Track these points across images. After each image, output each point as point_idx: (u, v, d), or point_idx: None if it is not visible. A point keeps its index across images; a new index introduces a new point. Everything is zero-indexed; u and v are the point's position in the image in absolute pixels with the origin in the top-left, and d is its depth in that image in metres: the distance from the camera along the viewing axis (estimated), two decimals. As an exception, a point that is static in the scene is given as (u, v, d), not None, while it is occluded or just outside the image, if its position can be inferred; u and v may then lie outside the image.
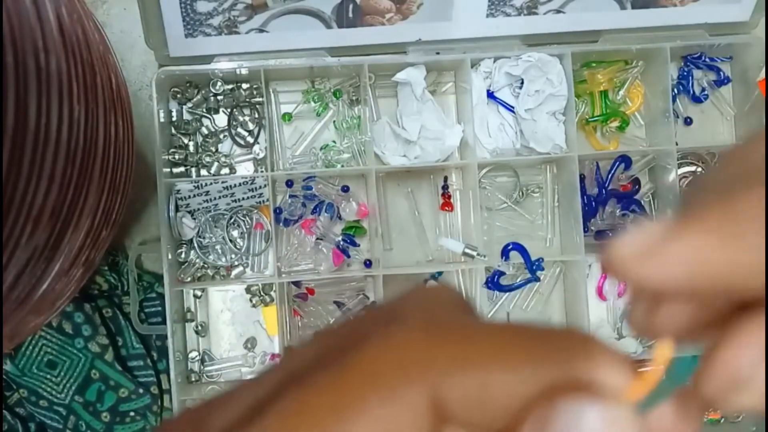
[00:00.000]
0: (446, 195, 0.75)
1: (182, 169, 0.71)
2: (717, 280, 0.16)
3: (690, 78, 0.76)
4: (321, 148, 0.73)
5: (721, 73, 0.76)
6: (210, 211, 0.71)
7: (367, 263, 0.72)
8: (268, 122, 0.71)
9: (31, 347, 0.66)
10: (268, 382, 0.17)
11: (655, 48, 0.71)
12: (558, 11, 0.70)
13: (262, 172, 0.71)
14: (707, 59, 0.76)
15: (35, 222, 0.36)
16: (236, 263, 0.72)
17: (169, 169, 0.70)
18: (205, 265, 0.72)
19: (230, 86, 0.72)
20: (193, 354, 0.72)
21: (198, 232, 0.71)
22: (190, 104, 0.72)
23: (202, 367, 0.72)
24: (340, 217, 0.73)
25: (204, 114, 0.73)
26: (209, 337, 0.73)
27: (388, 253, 0.74)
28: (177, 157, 0.70)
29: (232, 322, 0.74)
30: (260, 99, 0.72)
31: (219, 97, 0.72)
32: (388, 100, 0.75)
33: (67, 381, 0.67)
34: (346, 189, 0.73)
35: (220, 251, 0.72)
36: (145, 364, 0.70)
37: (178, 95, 0.71)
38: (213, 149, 0.72)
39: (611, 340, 0.75)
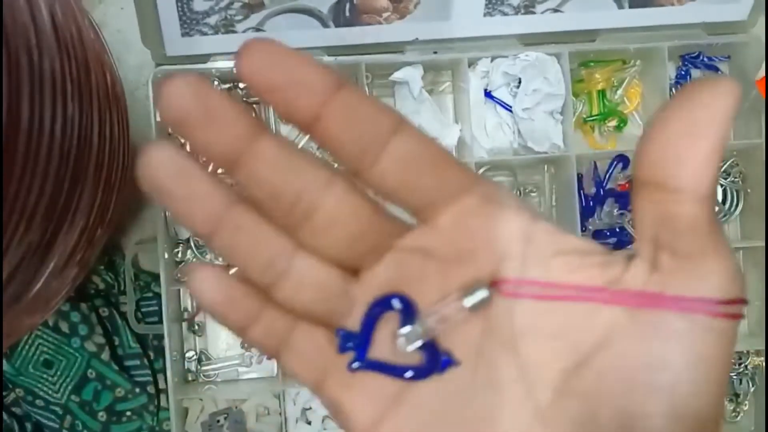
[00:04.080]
0: (444, 194, 0.75)
1: (179, 168, 0.71)
2: None
3: (688, 77, 0.76)
4: (318, 147, 0.73)
5: (719, 73, 0.76)
6: (207, 211, 0.71)
7: (365, 263, 0.72)
8: (265, 121, 0.71)
9: (27, 347, 0.66)
10: None
11: (653, 47, 0.71)
12: (555, 10, 0.70)
13: (259, 171, 0.70)
14: (705, 58, 0.76)
15: (28, 220, 0.36)
16: (233, 263, 0.72)
17: (165, 169, 0.69)
18: (202, 265, 0.71)
19: (227, 85, 0.71)
20: (190, 353, 0.72)
21: (195, 231, 0.71)
22: (187, 103, 0.72)
23: (199, 367, 0.72)
24: (337, 217, 0.73)
25: (201, 113, 0.72)
26: (206, 336, 0.73)
27: (386, 253, 0.74)
28: (174, 156, 0.70)
29: (229, 321, 0.74)
30: (257, 98, 0.71)
31: (216, 97, 0.71)
32: (385, 100, 0.74)
33: (64, 380, 0.67)
34: (343, 188, 0.73)
35: (217, 251, 0.72)
36: (142, 364, 0.70)
37: (175, 94, 0.71)
38: (210, 148, 0.72)
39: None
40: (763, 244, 0.70)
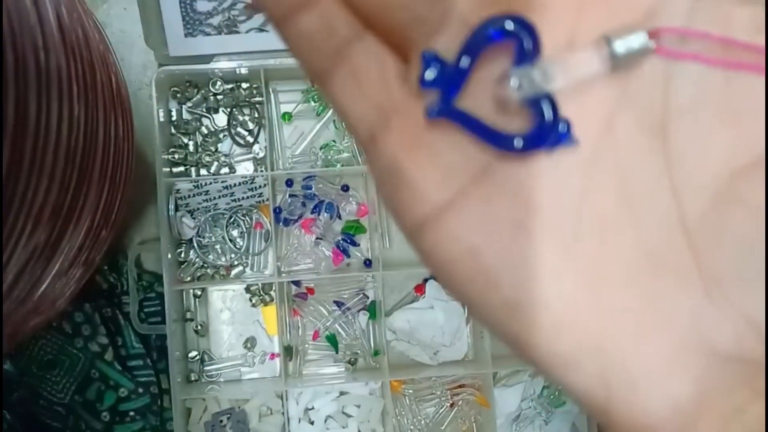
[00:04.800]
0: (446, 194, 0.75)
1: (182, 168, 0.71)
2: None
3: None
4: (321, 148, 0.73)
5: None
6: (210, 211, 0.71)
7: (367, 262, 0.72)
8: (267, 122, 0.71)
9: (31, 347, 0.66)
10: None
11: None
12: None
13: (261, 171, 0.71)
14: (707, 59, 0.76)
15: (35, 221, 0.36)
16: (236, 263, 0.72)
17: (168, 169, 0.70)
18: (205, 265, 0.72)
19: (230, 86, 0.72)
20: (193, 354, 0.72)
21: (197, 231, 0.71)
22: (189, 104, 0.72)
23: (201, 367, 0.72)
24: (339, 217, 0.73)
25: (204, 113, 0.73)
26: (209, 336, 0.73)
27: (388, 252, 0.74)
28: (177, 156, 0.70)
29: (231, 321, 0.74)
30: (260, 98, 0.72)
31: (219, 97, 0.72)
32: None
33: (67, 381, 0.67)
34: (346, 188, 0.73)
35: (219, 251, 0.72)
36: (145, 364, 0.70)
37: (178, 95, 0.71)
38: (213, 149, 0.72)
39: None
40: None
